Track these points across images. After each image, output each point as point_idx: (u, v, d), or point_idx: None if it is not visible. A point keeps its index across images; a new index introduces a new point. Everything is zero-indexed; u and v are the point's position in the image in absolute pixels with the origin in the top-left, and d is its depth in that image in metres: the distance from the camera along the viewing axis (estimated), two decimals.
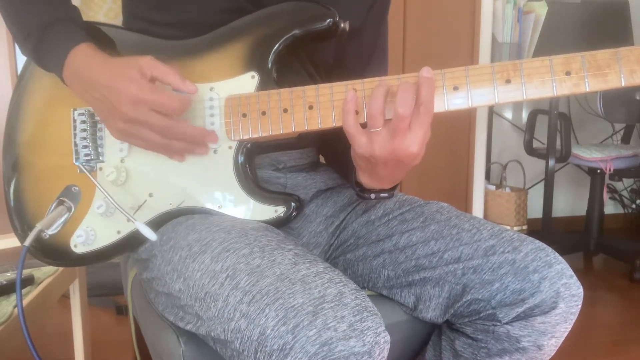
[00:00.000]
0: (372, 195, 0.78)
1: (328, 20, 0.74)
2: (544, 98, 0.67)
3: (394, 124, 0.64)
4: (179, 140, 0.73)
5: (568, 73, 0.66)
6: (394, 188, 0.78)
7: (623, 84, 0.65)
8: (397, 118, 0.63)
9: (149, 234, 0.75)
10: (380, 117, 0.65)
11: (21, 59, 2.06)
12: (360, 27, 0.88)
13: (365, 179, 0.74)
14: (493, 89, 0.67)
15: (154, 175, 0.78)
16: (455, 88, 0.68)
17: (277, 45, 0.75)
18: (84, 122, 0.80)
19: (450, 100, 0.68)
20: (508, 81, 0.67)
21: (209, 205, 0.77)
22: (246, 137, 0.75)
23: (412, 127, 0.64)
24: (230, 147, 0.76)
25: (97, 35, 0.81)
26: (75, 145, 0.80)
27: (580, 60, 0.65)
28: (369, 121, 0.66)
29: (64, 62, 0.74)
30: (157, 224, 0.78)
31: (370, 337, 0.55)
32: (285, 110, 0.73)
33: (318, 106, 0.71)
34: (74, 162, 0.80)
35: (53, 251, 0.82)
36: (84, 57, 0.73)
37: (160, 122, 0.70)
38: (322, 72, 0.88)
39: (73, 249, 0.80)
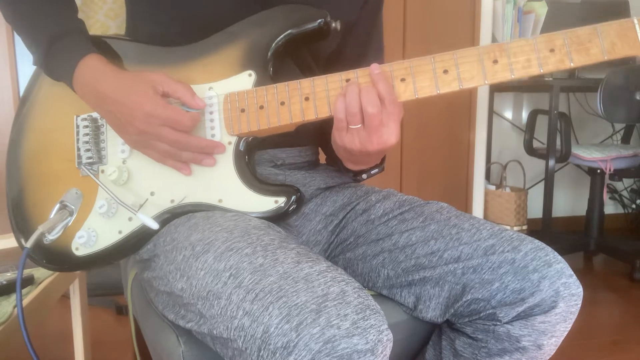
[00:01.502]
0: (364, 176, 0.89)
1: (319, 21, 0.77)
2: (531, 75, 0.69)
3: (367, 123, 0.70)
4: (188, 151, 0.75)
5: (552, 50, 0.68)
6: (382, 162, 0.87)
7: (606, 58, 0.66)
8: (369, 117, 0.69)
9: (151, 223, 0.76)
10: (358, 113, 0.70)
11: (22, 61, 2.07)
12: (354, 22, 0.91)
13: (350, 166, 0.83)
14: (481, 70, 0.69)
15: (155, 173, 0.78)
16: (445, 71, 0.70)
17: (273, 45, 0.77)
18: (86, 127, 0.81)
19: (440, 83, 0.70)
20: (495, 61, 0.69)
21: (210, 200, 0.77)
22: (245, 131, 0.76)
23: (384, 122, 0.70)
24: (230, 143, 0.77)
25: (100, 48, 0.82)
26: (78, 149, 0.82)
27: (562, 37, 0.67)
28: (349, 119, 0.71)
29: (73, 74, 0.76)
30: (160, 222, 0.78)
31: (373, 335, 0.56)
32: (283, 103, 0.74)
33: (314, 97, 0.73)
34: (76, 166, 0.81)
35: (54, 255, 0.82)
36: (93, 70, 0.76)
37: (171, 136, 0.73)
38: (322, 63, 0.90)
39: (74, 251, 0.80)
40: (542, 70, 0.68)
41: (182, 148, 0.75)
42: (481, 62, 0.69)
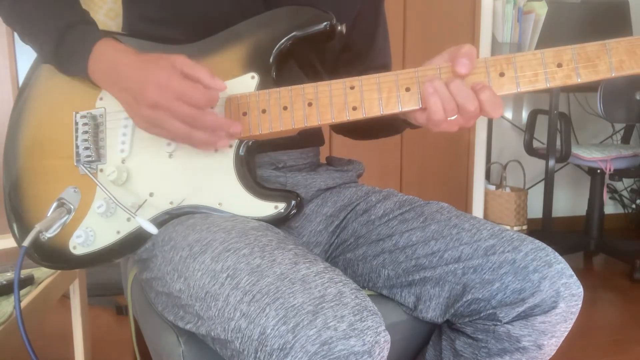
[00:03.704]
0: None
1: (325, 24, 0.76)
2: (537, 90, 0.69)
3: (466, 117, 0.69)
4: (203, 130, 0.72)
5: (559, 65, 0.67)
6: None
7: (613, 75, 0.66)
8: (467, 113, 0.68)
9: (150, 228, 0.76)
10: (455, 107, 0.68)
11: (22, 60, 2.07)
12: (358, 12, 0.90)
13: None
14: (488, 82, 0.69)
15: (154, 174, 0.78)
16: None
17: (276, 47, 0.77)
18: (85, 124, 0.81)
19: None
20: (502, 74, 0.69)
21: (209, 203, 0.77)
22: (247, 134, 0.75)
23: (483, 110, 0.69)
24: (230, 146, 0.76)
25: None
26: (77, 147, 0.81)
27: (571, 52, 0.67)
28: (448, 114, 0.69)
29: (88, 59, 0.75)
30: (158, 223, 0.78)
31: (370, 337, 0.56)
32: (285, 108, 0.74)
33: (317, 103, 0.73)
34: (75, 163, 0.81)
35: (51, 253, 0.81)
36: (111, 49, 0.74)
37: (184, 110, 0.69)
38: (328, 60, 0.89)
39: (72, 250, 0.80)
40: (549, 85, 0.68)
41: (195, 125, 0.71)
42: (487, 74, 0.69)
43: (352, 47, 0.94)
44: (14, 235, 0.84)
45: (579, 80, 0.67)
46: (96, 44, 0.75)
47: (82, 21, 0.78)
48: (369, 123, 0.76)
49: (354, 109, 0.72)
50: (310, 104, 0.73)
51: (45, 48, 0.78)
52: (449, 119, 0.69)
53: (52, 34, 0.76)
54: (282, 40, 0.77)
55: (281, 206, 0.75)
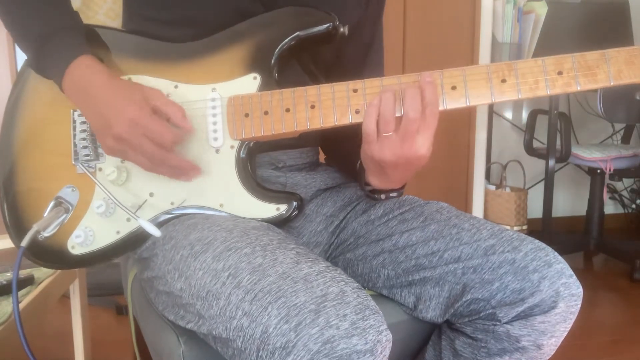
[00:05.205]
0: (383, 196, 0.83)
1: (328, 25, 0.76)
2: (538, 97, 0.70)
3: (404, 128, 0.68)
4: (165, 167, 0.74)
5: (560, 73, 0.68)
6: (402, 187, 0.81)
7: (612, 84, 0.68)
8: (408, 122, 0.67)
9: (153, 230, 0.75)
10: (393, 121, 0.68)
11: (21, 59, 2.07)
12: (357, 25, 0.89)
13: (374, 181, 0.78)
14: (489, 89, 0.69)
15: (154, 174, 0.77)
16: (453, 88, 0.70)
17: (279, 47, 0.76)
18: (83, 122, 0.80)
19: (448, 99, 0.70)
20: (503, 81, 0.69)
21: (210, 204, 0.77)
22: (249, 136, 0.75)
23: (420, 131, 0.68)
24: (232, 147, 0.76)
25: (98, 39, 0.81)
26: (75, 145, 0.80)
27: (571, 60, 0.68)
28: (382, 126, 0.69)
29: (64, 72, 0.74)
30: (158, 223, 0.78)
31: (373, 335, 0.56)
32: (288, 110, 0.73)
33: (320, 105, 0.73)
34: (73, 162, 0.80)
35: (49, 253, 0.81)
36: (87, 69, 0.74)
37: (150, 149, 0.71)
38: (322, 70, 0.89)
39: (70, 250, 0.80)
40: (549, 93, 0.69)
41: (158, 164, 0.73)
42: (489, 80, 0.69)
43: (344, 63, 0.91)
44: (10, 236, 0.83)
45: (579, 88, 0.68)
46: (70, 64, 0.74)
47: (65, 27, 0.76)
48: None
49: (357, 112, 0.72)
50: (313, 106, 0.73)
51: (27, 54, 0.78)
52: (383, 134, 0.69)
53: (32, 43, 0.76)
54: (285, 41, 0.76)
55: (283, 208, 0.75)
